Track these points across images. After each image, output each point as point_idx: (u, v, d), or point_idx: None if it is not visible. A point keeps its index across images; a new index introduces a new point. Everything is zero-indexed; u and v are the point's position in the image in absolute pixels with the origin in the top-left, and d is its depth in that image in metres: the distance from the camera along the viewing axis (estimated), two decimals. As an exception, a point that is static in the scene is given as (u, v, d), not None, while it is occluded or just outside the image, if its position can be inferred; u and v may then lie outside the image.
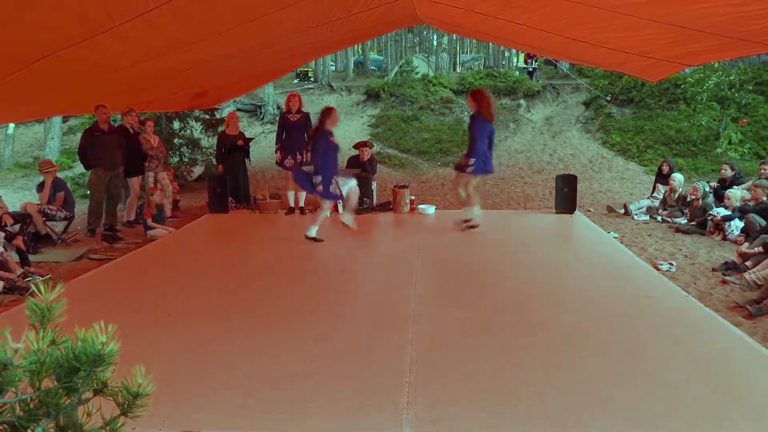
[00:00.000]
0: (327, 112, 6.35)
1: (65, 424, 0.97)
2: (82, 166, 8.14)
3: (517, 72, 21.23)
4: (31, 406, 0.93)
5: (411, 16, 7.63)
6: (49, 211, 6.97)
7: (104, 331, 0.93)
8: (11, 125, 14.21)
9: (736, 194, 7.12)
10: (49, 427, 0.94)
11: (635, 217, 8.21)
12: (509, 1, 5.36)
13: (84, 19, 4.22)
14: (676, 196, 8.10)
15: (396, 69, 22.24)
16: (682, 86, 15.32)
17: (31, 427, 0.92)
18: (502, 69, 23.09)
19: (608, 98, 15.95)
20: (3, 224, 5.95)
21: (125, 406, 1.00)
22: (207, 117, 12.09)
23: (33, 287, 0.96)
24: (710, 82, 13.48)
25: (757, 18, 3.92)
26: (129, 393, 0.99)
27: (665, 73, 7.15)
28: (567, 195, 8.00)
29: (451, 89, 18.33)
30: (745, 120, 13.66)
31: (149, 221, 7.28)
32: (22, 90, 5.51)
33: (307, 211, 8.16)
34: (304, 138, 7.83)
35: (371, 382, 3.00)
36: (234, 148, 8.73)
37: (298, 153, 7.78)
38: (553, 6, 5.24)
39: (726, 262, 5.59)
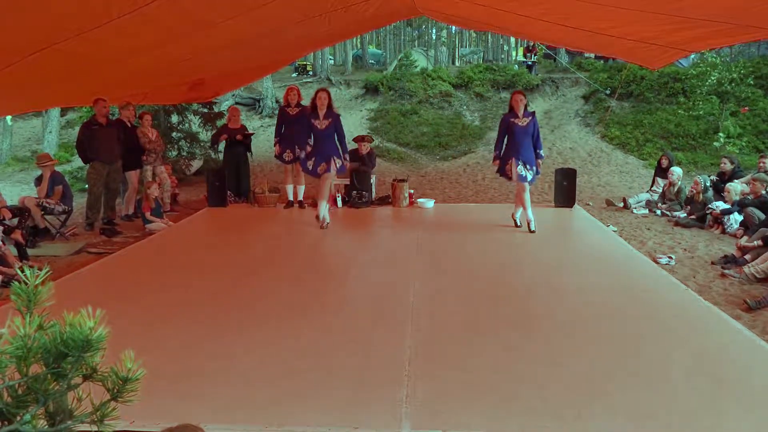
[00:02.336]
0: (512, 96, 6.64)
1: (54, 410, 0.95)
2: (80, 159, 8.11)
3: (516, 66, 21.17)
4: (19, 392, 0.92)
5: (408, 8, 7.60)
6: (47, 205, 6.93)
7: (92, 316, 0.92)
8: (8, 118, 14.16)
9: (736, 188, 7.09)
10: (38, 413, 0.93)
11: (634, 210, 8.19)
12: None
13: (82, 11, 4.19)
14: (675, 189, 8.08)
15: (395, 63, 22.18)
16: (682, 80, 15.27)
17: (20, 414, 0.91)
18: (501, 62, 23.02)
19: (608, 92, 15.89)
20: (1, 218, 5.92)
21: (115, 390, 0.99)
22: (205, 111, 12.04)
23: (18, 271, 0.94)
24: (712, 78, 13.41)
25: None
26: (118, 378, 0.98)
27: (666, 60, 7.12)
28: (566, 189, 7.98)
29: (450, 83, 18.26)
30: (746, 108, 13.59)
31: (148, 215, 7.26)
32: (20, 81, 5.47)
33: (305, 204, 8.14)
34: (303, 131, 7.78)
35: (370, 375, 2.99)
36: (235, 142, 8.70)
37: (297, 146, 7.73)
38: (554, 1, 5.23)
39: (725, 256, 5.59)
